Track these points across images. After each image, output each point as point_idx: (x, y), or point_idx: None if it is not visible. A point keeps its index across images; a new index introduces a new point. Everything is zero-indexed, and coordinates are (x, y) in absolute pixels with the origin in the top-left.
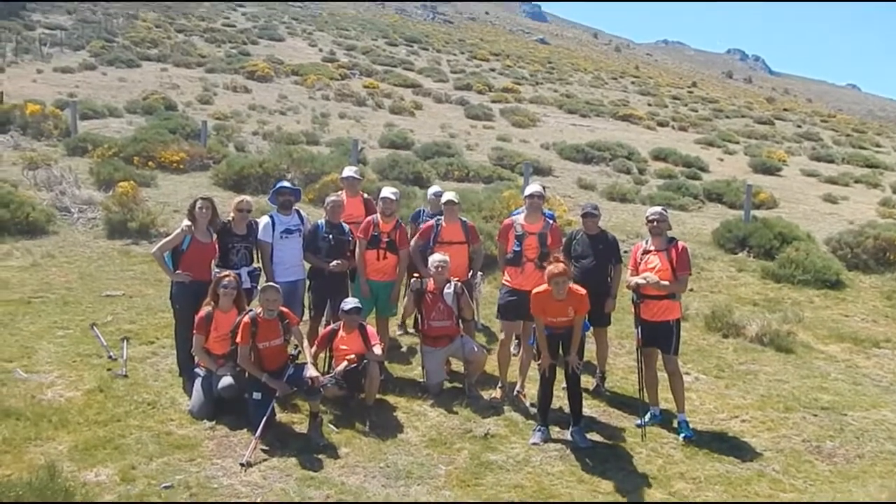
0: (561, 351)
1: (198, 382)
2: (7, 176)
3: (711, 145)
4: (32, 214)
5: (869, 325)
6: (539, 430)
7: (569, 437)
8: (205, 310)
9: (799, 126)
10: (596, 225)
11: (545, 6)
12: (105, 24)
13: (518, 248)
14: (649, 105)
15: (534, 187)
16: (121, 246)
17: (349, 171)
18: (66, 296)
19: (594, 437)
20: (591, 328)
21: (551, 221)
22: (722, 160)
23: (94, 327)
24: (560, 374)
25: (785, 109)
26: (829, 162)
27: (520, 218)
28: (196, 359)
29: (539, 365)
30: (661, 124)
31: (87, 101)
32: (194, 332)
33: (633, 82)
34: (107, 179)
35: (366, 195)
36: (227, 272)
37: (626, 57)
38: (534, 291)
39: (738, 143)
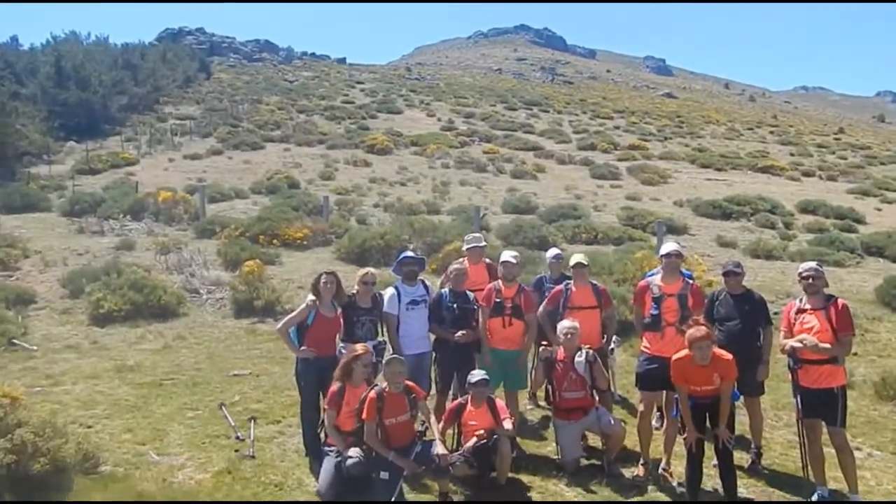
0: (709, 423)
1: (327, 462)
2: (141, 261)
3: (866, 195)
4: (164, 297)
5: None
6: None
7: None
8: (336, 384)
9: None
10: (740, 284)
11: (670, 59)
12: (231, 110)
13: (656, 312)
14: (791, 155)
15: (670, 245)
16: (247, 325)
17: (471, 240)
18: (195, 377)
19: None
20: (741, 398)
21: (690, 282)
22: (880, 210)
23: (223, 407)
24: (710, 450)
25: None
26: None
27: (656, 279)
28: (324, 437)
29: (685, 439)
30: (806, 174)
31: (215, 185)
32: (326, 407)
33: (771, 132)
34: (233, 259)
35: (488, 261)
36: (361, 345)
37: (761, 106)
38: (674, 358)
39: None
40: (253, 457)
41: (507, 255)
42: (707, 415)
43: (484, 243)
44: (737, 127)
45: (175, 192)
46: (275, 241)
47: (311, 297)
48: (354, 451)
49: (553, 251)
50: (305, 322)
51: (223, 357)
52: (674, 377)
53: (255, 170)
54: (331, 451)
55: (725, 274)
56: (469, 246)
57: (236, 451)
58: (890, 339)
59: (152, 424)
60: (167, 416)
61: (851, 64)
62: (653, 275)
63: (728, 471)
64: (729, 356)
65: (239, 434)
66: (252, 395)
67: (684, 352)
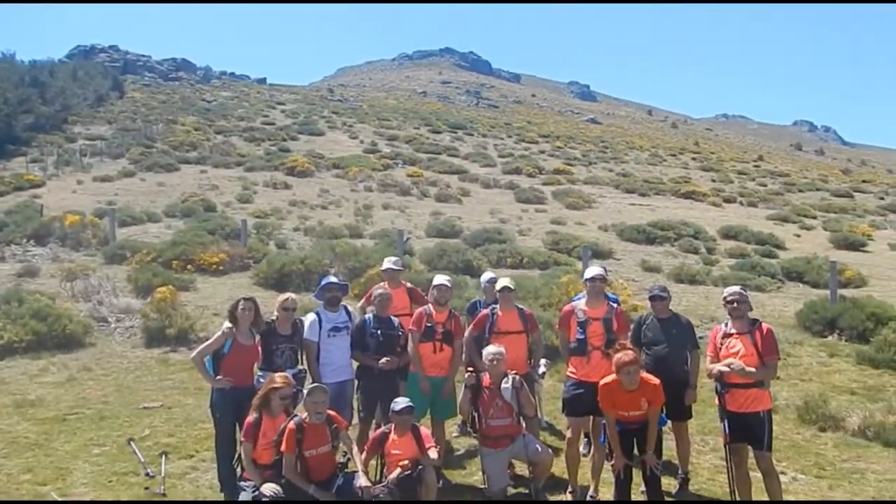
0: (636, 449)
1: (243, 497)
2: (45, 288)
3: (786, 221)
4: (69, 327)
5: None
6: None
7: None
8: (253, 415)
9: (881, 198)
10: (667, 308)
11: (594, 85)
12: (144, 130)
13: (582, 336)
14: (713, 181)
15: (594, 270)
16: (159, 354)
17: (389, 262)
18: (102, 410)
19: None
20: (669, 423)
21: (615, 305)
22: (799, 236)
23: (132, 443)
24: (637, 476)
25: (864, 181)
26: None
27: (581, 303)
28: (240, 471)
29: (613, 466)
30: (727, 200)
31: (126, 208)
32: (242, 439)
33: (693, 158)
34: (145, 286)
35: (409, 285)
36: (279, 375)
37: (683, 133)
38: (601, 383)
39: (815, 217)
40: (164, 495)
41: (441, 279)
42: (635, 440)
43: (401, 266)
44: (660, 153)
45: (83, 216)
46: (189, 266)
47: (227, 324)
48: (269, 488)
49: (487, 275)
50: (221, 350)
51: (132, 389)
52: (601, 403)
53: (169, 192)
54: (247, 486)
55: (651, 298)
56: (385, 268)
57: (146, 488)
58: (811, 363)
59: (54, 463)
60: (71, 454)
61: (770, 93)
62: (578, 299)
63: (656, 497)
64: (656, 381)
65: (149, 471)
66: (163, 428)
67: (612, 377)
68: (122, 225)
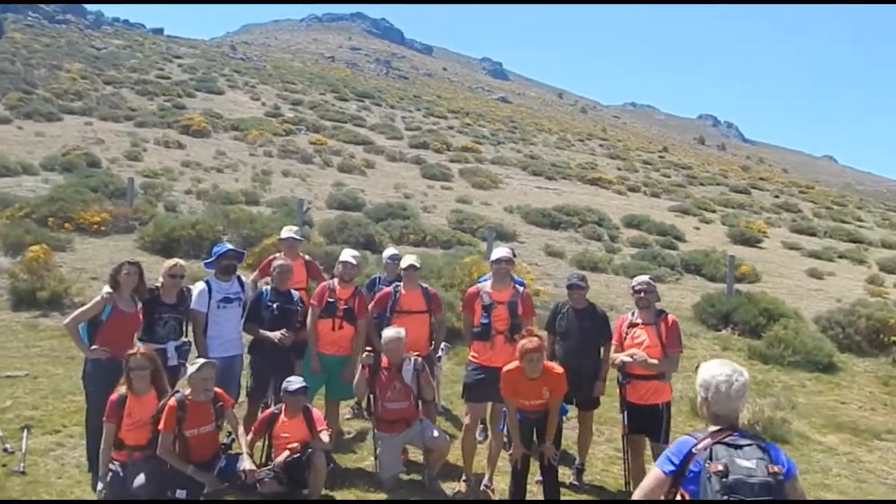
0: (535, 438)
1: (110, 479)
2: None
3: (686, 213)
4: None
5: (867, 413)
6: None
7: None
8: (117, 392)
9: (776, 196)
10: (584, 298)
11: (507, 63)
12: (24, 74)
13: (486, 320)
14: (619, 169)
15: (501, 251)
16: (27, 318)
17: (288, 231)
18: None
19: None
20: (569, 412)
21: (521, 289)
22: (698, 229)
23: None
24: (534, 465)
25: (761, 178)
26: (810, 235)
27: (486, 286)
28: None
29: (510, 455)
30: (632, 189)
31: (0, 158)
32: (104, 419)
33: (601, 145)
34: (15, 243)
35: (307, 257)
36: (137, 348)
37: (592, 119)
38: (504, 369)
39: (714, 211)
40: (24, 472)
41: (347, 255)
42: (534, 430)
43: (301, 237)
44: (568, 137)
45: None
46: (67, 224)
47: (107, 288)
48: (140, 471)
49: (390, 251)
50: (99, 317)
51: None
52: (503, 390)
53: (49, 143)
54: (114, 466)
55: (569, 287)
56: (285, 237)
57: (3, 465)
58: (705, 355)
59: None
60: None
61: (677, 85)
62: (483, 281)
63: (552, 488)
64: (559, 370)
65: (7, 446)
66: (27, 400)
67: (515, 363)
68: None
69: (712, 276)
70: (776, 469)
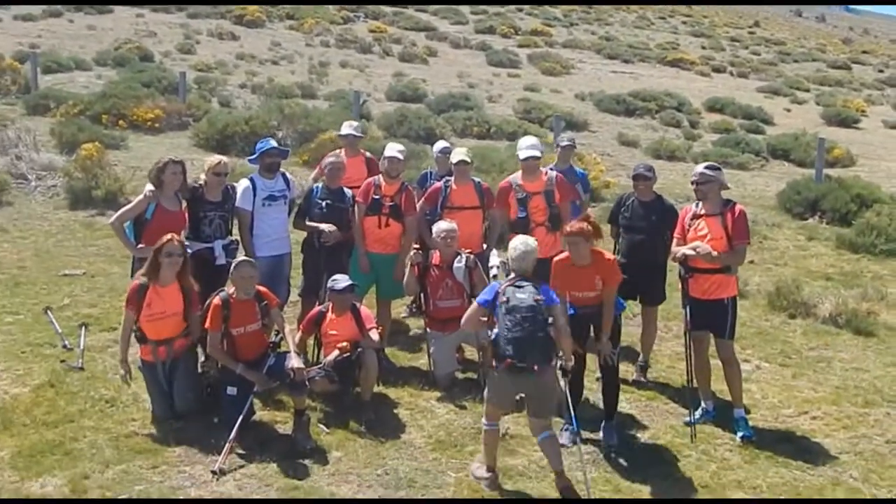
0: (592, 335)
1: (148, 375)
2: None
3: (777, 94)
4: None
5: None
6: (567, 430)
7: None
8: (138, 280)
9: (881, 71)
10: (650, 189)
11: None
12: None
13: (523, 214)
14: (703, 48)
15: (527, 149)
16: (84, 217)
17: (348, 127)
18: (17, 276)
19: (636, 436)
20: (625, 308)
21: (555, 174)
22: (789, 111)
23: (49, 311)
24: (592, 362)
25: (864, 52)
26: None
27: (517, 177)
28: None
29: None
30: (717, 70)
31: (51, 53)
32: (124, 306)
33: (684, 22)
34: (70, 141)
35: (368, 154)
36: (170, 236)
37: None
38: (554, 259)
39: (808, 90)
40: (82, 368)
41: (393, 150)
42: (591, 326)
43: (361, 133)
44: (648, 15)
45: (1, 59)
46: (121, 122)
47: (149, 187)
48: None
49: (441, 144)
50: (144, 216)
51: (53, 254)
52: (553, 283)
53: (100, 37)
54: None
55: (635, 178)
56: (345, 133)
57: (62, 361)
58: (788, 247)
59: None
60: None
61: None
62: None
63: (611, 385)
64: (611, 256)
65: (66, 342)
66: (85, 298)
67: (565, 253)
68: (46, 72)
69: (801, 161)
70: (539, 298)
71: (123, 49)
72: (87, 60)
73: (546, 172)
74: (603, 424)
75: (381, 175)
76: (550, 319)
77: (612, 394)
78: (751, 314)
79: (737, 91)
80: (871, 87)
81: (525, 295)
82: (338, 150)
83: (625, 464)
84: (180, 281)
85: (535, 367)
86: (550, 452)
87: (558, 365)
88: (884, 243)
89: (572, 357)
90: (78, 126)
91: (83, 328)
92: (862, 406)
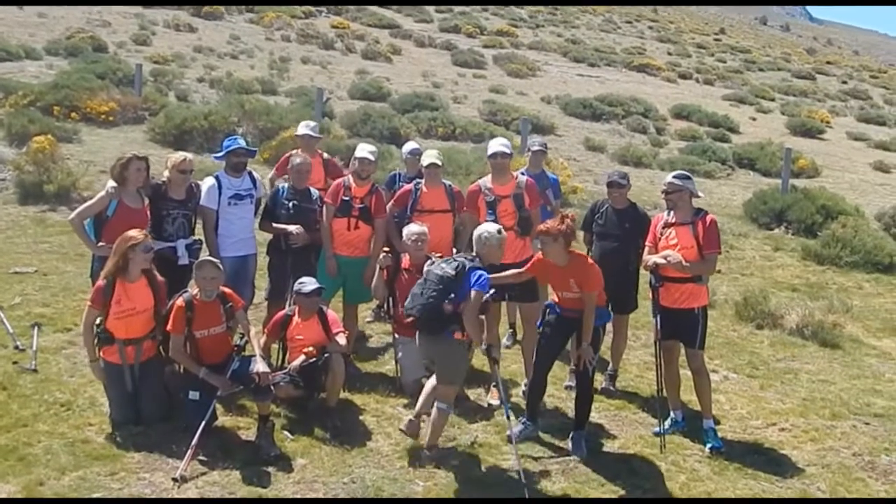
0: (573, 342)
1: (111, 377)
2: None
3: (742, 102)
4: None
5: None
6: (523, 424)
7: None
8: (104, 279)
9: (844, 82)
10: (624, 197)
11: None
12: None
13: (492, 217)
14: (669, 54)
15: (497, 146)
16: (35, 213)
17: (305, 127)
18: None
19: (605, 446)
20: (611, 319)
21: (525, 178)
22: (754, 119)
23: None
24: (564, 371)
25: (828, 62)
26: (879, 124)
27: (486, 181)
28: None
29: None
30: (683, 77)
31: (0, 41)
32: (88, 303)
33: (650, 27)
34: (20, 133)
35: (326, 155)
36: (136, 231)
37: None
38: (536, 256)
39: (773, 100)
40: (35, 370)
41: (364, 150)
42: (573, 333)
43: (319, 134)
44: (614, 19)
45: None
46: (73, 114)
47: (111, 183)
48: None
49: (410, 145)
50: (105, 213)
51: (2, 251)
52: (527, 268)
53: (51, 26)
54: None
55: (609, 185)
56: (301, 133)
57: (14, 363)
58: (754, 256)
59: None
60: None
61: None
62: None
63: (584, 393)
64: (589, 261)
65: (18, 343)
66: (37, 297)
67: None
68: None
69: (767, 170)
70: (452, 273)
71: (76, 39)
72: (37, 49)
73: (516, 176)
74: (572, 434)
75: (350, 176)
76: (453, 295)
77: (584, 402)
78: (718, 324)
79: (703, 98)
80: (834, 98)
81: (446, 266)
82: (296, 150)
83: (595, 474)
84: (147, 276)
85: (423, 327)
86: (435, 424)
87: (468, 344)
88: (849, 255)
89: (481, 341)
90: (28, 117)
91: (36, 328)
92: (829, 419)
